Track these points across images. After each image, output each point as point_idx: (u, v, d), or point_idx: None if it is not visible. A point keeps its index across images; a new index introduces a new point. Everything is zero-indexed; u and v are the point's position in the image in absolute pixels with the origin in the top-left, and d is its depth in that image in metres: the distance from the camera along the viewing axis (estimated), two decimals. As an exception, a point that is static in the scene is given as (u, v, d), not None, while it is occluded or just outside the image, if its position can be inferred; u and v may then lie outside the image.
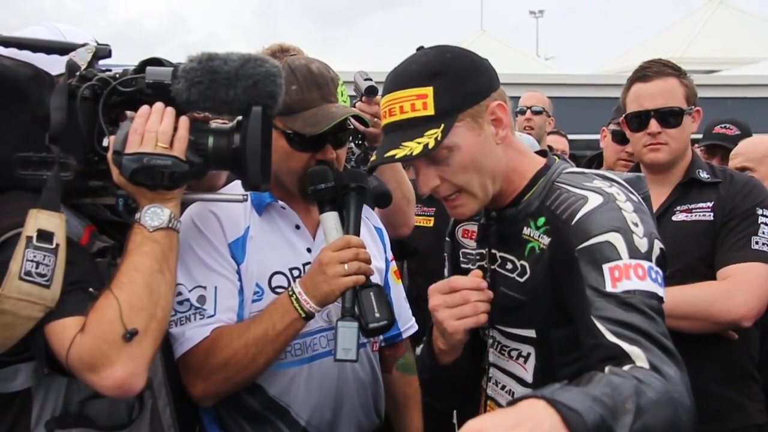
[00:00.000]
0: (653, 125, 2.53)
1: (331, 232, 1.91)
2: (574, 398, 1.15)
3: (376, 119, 2.46)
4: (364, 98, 2.48)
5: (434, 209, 3.53)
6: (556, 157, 1.74)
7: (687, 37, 22.90)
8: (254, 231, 2.02)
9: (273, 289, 1.99)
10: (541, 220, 1.60)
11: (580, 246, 1.47)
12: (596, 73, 17.30)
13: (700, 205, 2.48)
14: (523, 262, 1.64)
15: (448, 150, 1.55)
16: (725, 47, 20.70)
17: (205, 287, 1.92)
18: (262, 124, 1.63)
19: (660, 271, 1.46)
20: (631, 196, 1.56)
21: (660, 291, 1.44)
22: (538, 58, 28.68)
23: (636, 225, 1.47)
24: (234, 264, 1.97)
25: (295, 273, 2.02)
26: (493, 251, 1.75)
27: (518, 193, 1.66)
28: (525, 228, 1.64)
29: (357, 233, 1.91)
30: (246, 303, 1.96)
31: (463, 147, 1.56)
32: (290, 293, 1.86)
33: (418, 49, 1.65)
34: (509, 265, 1.68)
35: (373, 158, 1.64)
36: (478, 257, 1.84)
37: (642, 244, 1.45)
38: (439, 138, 1.52)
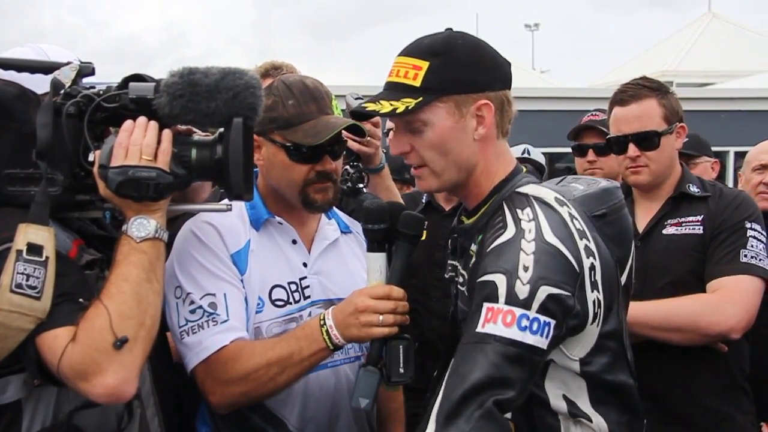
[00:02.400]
0: (632, 149, 2.55)
1: (374, 273, 1.87)
2: None
3: (369, 138, 2.49)
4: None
5: (426, 222, 3.54)
6: (523, 168, 1.77)
7: (681, 50, 23.05)
8: (254, 245, 2.05)
9: (273, 302, 2.02)
10: (479, 238, 1.67)
11: (479, 279, 1.53)
12: (591, 86, 17.41)
13: (690, 218, 2.50)
14: (467, 276, 1.71)
15: (422, 124, 1.64)
16: (719, 60, 20.83)
17: (214, 294, 1.93)
18: (243, 135, 1.66)
19: (541, 319, 1.46)
20: (544, 235, 1.52)
21: (528, 339, 1.45)
22: (534, 71, 28.83)
23: (525, 269, 1.48)
24: (238, 273, 1.99)
25: (293, 287, 2.05)
26: (456, 264, 1.81)
27: (479, 203, 1.71)
28: (473, 244, 1.70)
29: (400, 284, 1.87)
30: (250, 313, 1.98)
31: (437, 126, 1.64)
32: (321, 323, 1.86)
33: (447, 29, 1.73)
34: (460, 278, 1.75)
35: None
36: (449, 268, 1.89)
37: (522, 291, 1.46)
38: (410, 107, 1.61)
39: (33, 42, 1.96)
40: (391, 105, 1.62)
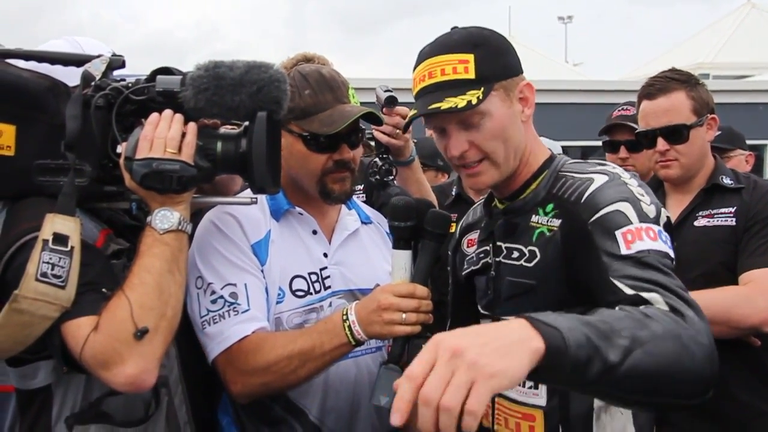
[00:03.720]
0: (661, 144, 2.53)
1: (399, 270, 1.85)
2: (557, 319, 1.15)
3: (398, 131, 2.48)
4: (384, 109, 2.51)
5: (456, 215, 3.52)
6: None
7: (718, 42, 22.63)
8: (275, 235, 2.05)
9: (293, 292, 2.02)
10: (550, 207, 1.66)
11: (592, 219, 1.54)
12: (625, 79, 17.18)
13: (723, 210, 2.47)
14: (531, 248, 1.68)
15: (480, 116, 1.63)
16: (757, 52, 20.40)
17: (235, 284, 1.94)
18: (268, 128, 1.67)
19: (669, 237, 1.51)
20: (635, 177, 1.62)
21: (671, 252, 1.49)
22: (567, 64, 28.54)
23: (642, 195, 1.55)
24: (258, 264, 2.00)
25: (313, 278, 2.06)
26: (499, 244, 1.78)
27: (525, 182, 1.72)
28: (533, 216, 1.69)
29: (425, 283, 1.84)
30: (270, 304, 1.99)
31: (495, 115, 1.63)
32: (344, 318, 1.84)
33: (452, 29, 1.72)
34: (516, 254, 1.72)
35: (413, 112, 1.70)
36: (481, 255, 1.87)
37: (650, 210, 1.52)
38: (480, 97, 1.59)
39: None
40: (462, 99, 1.59)
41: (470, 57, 1.62)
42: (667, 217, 1.55)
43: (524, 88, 1.68)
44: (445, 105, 1.60)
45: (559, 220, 1.62)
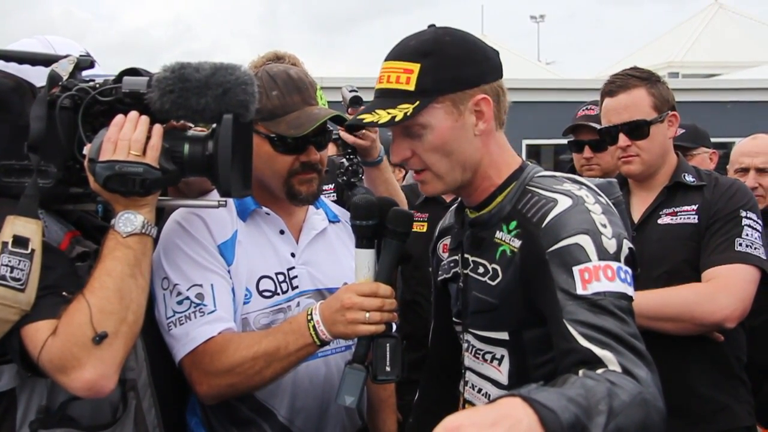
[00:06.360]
0: (622, 139, 2.56)
1: (362, 269, 1.84)
2: (549, 397, 1.17)
3: (364, 131, 2.48)
4: (349, 110, 2.51)
5: (427, 215, 3.53)
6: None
7: (687, 41, 22.95)
8: (241, 235, 2.05)
9: (260, 293, 2.02)
10: (513, 224, 1.63)
11: (550, 249, 1.50)
12: (597, 78, 17.34)
13: (685, 207, 2.50)
14: (494, 266, 1.66)
15: (421, 127, 1.60)
16: (725, 51, 20.74)
17: (201, 285, 1.93)
18: (235, 131, 1.66)
19: (629, 270, 1.49)
20: (600, 198, 1.59)
21: (629, 291, 1.47)
22: (539, 63, 28.76)
23: (604, 226, 1.50)
24: (225, 264, 1.99)
25: (280, 278, 2.05)
26: (466, 256, 1.77)
27: (491, 193, 1.68)
28: (497, 232, 1.66)
29: (388, 282, 1.83)
30: (237, 304, 1.98)
31: (436, 128, 1.60)
32: (309, 318, 1.84)
33: (429, 26, 1.69)
34: (481, 269, 1.71)
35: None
36: (452, 264, 1.86)
37: (610, 245, 1.48)
38: (408, 113, 1.56)
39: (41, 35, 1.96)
40: (389, 113, 1.57)
41: (415, 67, 1.58)
42: (629, 248, 1.52)
43: (480, 102, 1.61)
44: (369, 118, 1.60)
45: (520, 242, 1.60)
